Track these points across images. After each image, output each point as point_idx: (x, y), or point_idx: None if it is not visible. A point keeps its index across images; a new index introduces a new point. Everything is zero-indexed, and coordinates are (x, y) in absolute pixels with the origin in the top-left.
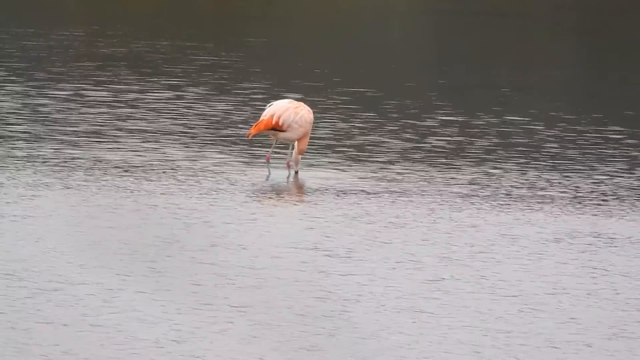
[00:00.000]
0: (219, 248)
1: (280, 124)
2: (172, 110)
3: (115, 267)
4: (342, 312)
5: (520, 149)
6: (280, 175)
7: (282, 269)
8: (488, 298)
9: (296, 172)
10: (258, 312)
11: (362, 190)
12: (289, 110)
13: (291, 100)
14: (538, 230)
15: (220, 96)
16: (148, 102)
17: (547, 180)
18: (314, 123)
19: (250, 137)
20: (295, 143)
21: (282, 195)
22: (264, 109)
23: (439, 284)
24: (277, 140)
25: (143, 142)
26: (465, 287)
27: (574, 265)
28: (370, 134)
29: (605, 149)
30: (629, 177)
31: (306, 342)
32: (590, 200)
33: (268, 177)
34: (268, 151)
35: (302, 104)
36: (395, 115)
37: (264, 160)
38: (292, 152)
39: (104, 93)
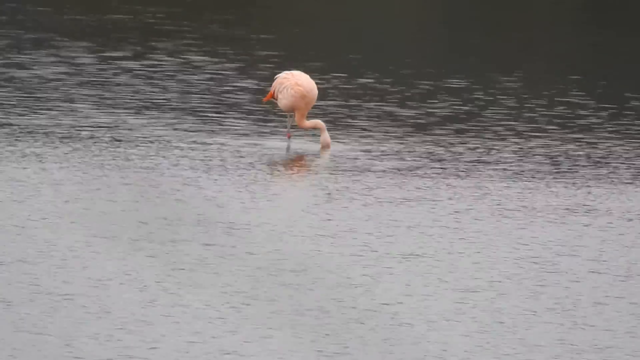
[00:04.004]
0: (216, 223)
1: (272, 93)
2: (180, 81)
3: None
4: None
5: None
6: (298, 148)
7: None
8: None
9: (290, 127)
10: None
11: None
12: (277, 80)
13: (291, 72)
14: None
15: (234, 69)
16: (150, 71)
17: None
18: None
19: (264, 101)
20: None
21: (294, 169)
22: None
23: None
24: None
25: (149, 113)
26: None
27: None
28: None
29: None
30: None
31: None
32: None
33: (288, 148)
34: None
35: (295, 75)
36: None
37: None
38: (290, 123)
39: (104, 60)
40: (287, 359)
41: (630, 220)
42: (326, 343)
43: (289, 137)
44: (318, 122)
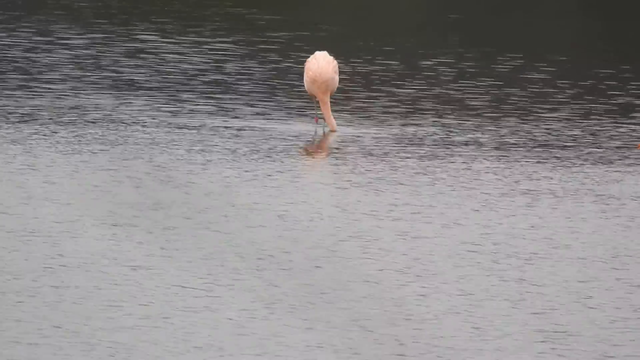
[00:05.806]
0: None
1: None
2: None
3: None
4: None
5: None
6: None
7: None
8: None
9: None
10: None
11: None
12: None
13: (314, 55)
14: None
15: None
16: (148, 52)
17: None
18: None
19: None
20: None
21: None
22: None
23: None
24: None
25: (143, 94)
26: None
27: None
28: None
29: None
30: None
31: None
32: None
33: (315, 133)
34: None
35: (314, 58)
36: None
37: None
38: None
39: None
40: (239, 340)
41: (603, 204)
42: (290, 318)
43: (317, 121)
44: (333, 124)
